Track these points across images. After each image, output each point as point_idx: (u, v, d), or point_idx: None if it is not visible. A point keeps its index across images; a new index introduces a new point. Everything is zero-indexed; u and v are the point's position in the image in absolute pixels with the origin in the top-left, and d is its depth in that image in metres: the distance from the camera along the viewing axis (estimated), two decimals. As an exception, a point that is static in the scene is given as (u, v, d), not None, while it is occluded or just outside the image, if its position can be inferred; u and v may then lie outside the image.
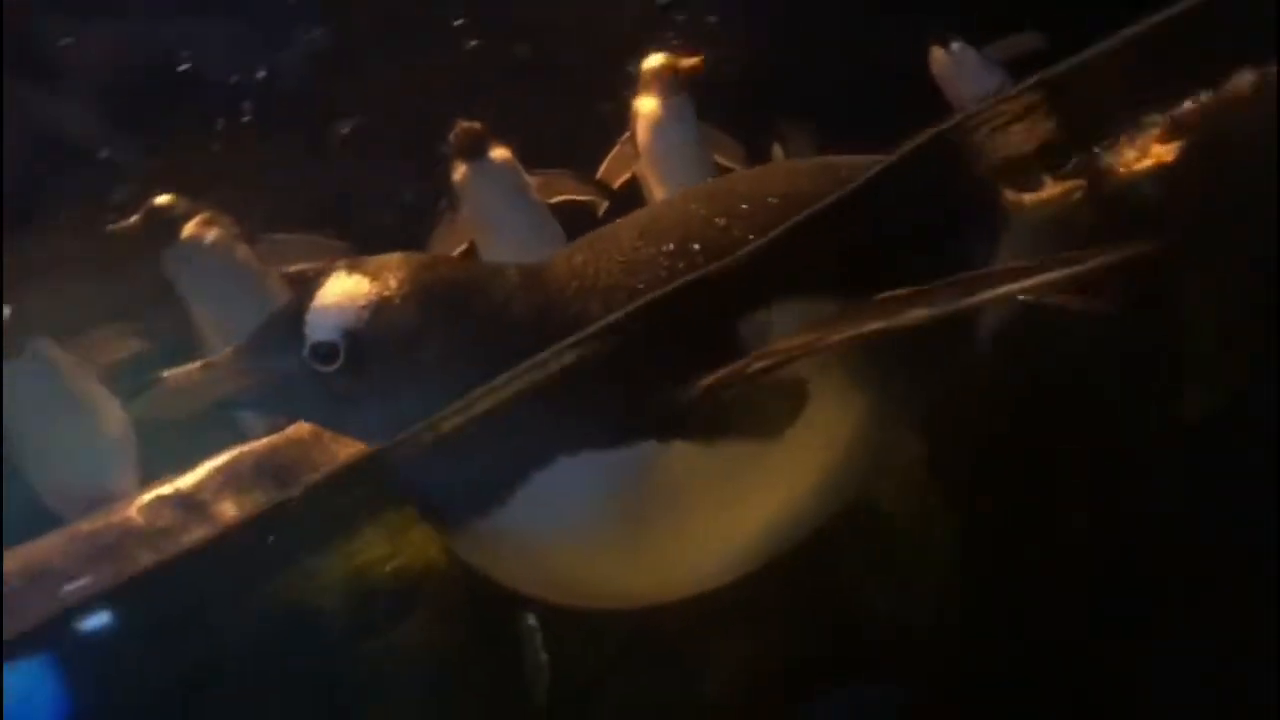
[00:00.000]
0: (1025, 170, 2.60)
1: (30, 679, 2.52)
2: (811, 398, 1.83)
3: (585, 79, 3.35)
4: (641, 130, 3.22)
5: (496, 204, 2.99)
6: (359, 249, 3.04)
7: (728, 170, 3.28)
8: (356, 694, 2.69)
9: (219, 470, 2.72)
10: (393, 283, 1.71)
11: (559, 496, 1.71)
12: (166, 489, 2.69)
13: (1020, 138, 2.57)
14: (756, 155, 3.46)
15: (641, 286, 1.78)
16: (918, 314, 1.74)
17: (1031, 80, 2.44)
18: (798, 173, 2.19)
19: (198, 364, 1.78)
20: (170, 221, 2.80)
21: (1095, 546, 2.76)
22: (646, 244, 1.85)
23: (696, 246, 1.85)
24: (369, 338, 1.69)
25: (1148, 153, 3.11)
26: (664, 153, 3.20)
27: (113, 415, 2.79)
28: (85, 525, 2.64)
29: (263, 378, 1.76)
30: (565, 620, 2.58)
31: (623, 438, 1.70)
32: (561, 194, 3.15)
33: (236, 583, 2.58)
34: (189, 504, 2.69)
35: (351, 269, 1.72)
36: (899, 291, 1.73)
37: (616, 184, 3.25)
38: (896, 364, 1.91)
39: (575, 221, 3.12)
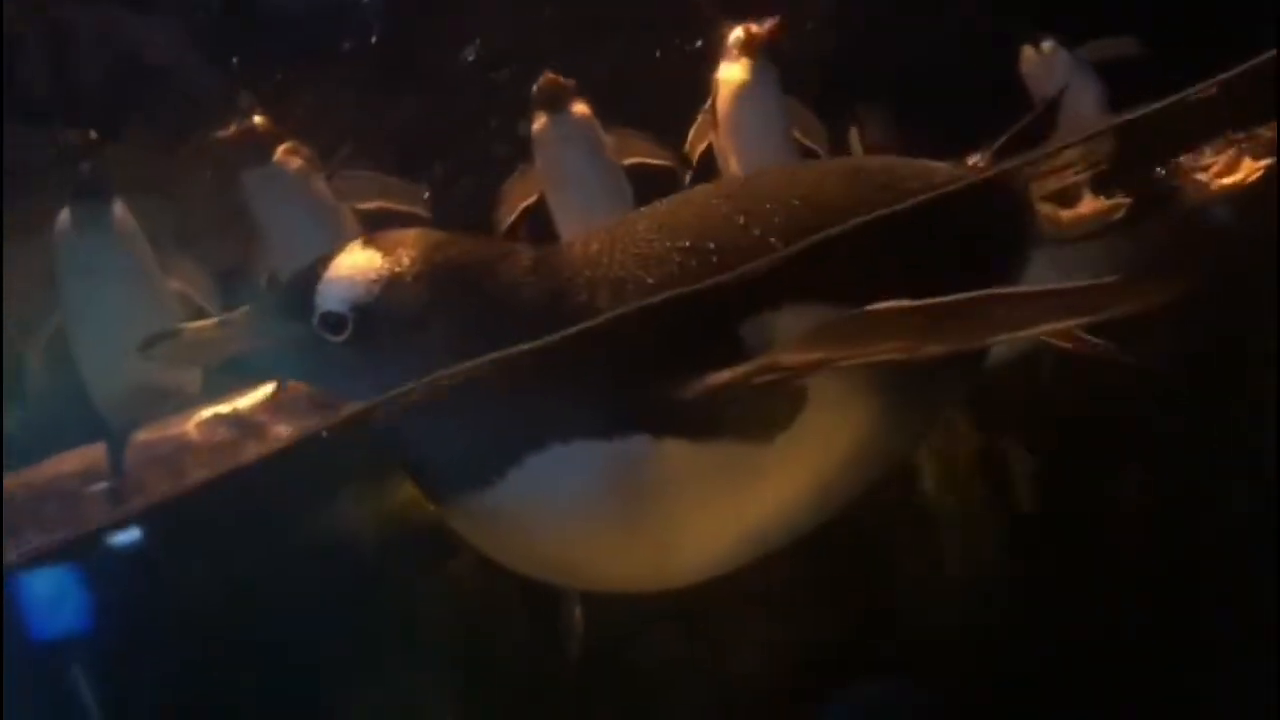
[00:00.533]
0: (1070, 187, 2.60)
1: (60, 585, 2.57)
2: (810, 403, 1.84)
3: (676, 44, 3.32)
4: (723, 100, 3.20)
5: (570, 158, 3.00)
6: (433, 192, 3.07)
7: (808, 149, 3.26)
8: (388, 629, 2.73)
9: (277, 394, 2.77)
10: (405, 260, 1.75)
11: (549, 480, 1.74)
12: (224, 408, 2.74)
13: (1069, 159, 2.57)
14: (833, 138, 3.44)
15: (652, 281, 1.80)
16: (935, 349, 1.77)
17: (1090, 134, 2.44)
18: (830, 175, 2.18)
19: (213, 320, 1.85)
20: (263, 144, 2.83)
21: (1140, 557, 2.75)
22: (662, 237, 1.87)
23: (712, 244, 1.86)
24: (378, 312, 1.73)
25: (1234, 169, 3.05)
26: (743, 124, 3.18)
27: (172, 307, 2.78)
28: (142, 435, 2.71)
29: (273, 341, 1.81)
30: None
31: (617, 429, 1.74)
32: (636, 156, 3.15)
33: (276, 507, 2.61)
34: (246, 425, 2.74)
35: (367, 244, 1.77)
36: (910, 303, 1.72)
37: (698, 152, 3.24)
38: (904, 374, 1.87)
39: (653, 186, 3.13)
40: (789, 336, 1.79)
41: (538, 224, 3.16)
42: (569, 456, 1.74)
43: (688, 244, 1.85)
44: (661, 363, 1.76)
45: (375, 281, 1.73)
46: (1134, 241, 2.85)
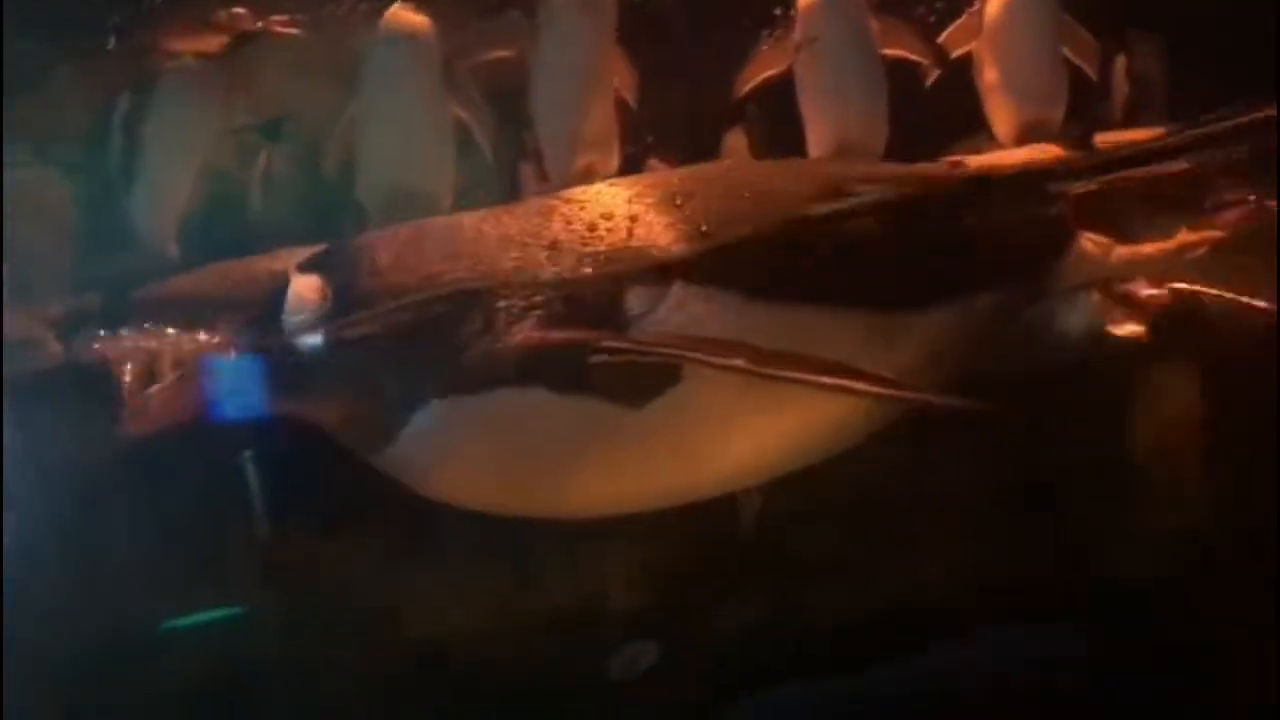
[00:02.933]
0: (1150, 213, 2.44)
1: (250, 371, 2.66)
2: (684, 380, 1.97)
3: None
4: (994, 2, 3.02)
5: (832, 35, 2.87)
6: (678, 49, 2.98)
7: (1075, 66, 3.06)
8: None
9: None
10: (339, 276, 2.11)
11: (432, 432, 2.04)
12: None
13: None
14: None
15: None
16: (739, 364, 1.93)
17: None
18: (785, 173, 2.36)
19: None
20: None
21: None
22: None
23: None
24: (325, 322, 2.08)
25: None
26: (1011, 32, 3.00)
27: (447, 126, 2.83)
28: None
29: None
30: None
31: (484, 383, 1.99)
32: (898, 48, 3.01)
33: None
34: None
35: (305, 269, 2.20)
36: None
37: (955, 54, 3.08)
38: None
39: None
40: (669, 317, 1.97)
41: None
42: (444, 410, 2.02)
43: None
44: (518, 325, 1.96)
45: (326, 298, 2.12)
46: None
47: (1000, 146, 2.99)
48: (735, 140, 3.30)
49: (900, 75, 3.02)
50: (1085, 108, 3.10)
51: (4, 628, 2.46)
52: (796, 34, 2.90)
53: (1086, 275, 2.34)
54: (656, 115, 3.00)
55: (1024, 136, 2.93)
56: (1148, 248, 2.38)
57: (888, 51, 2.97)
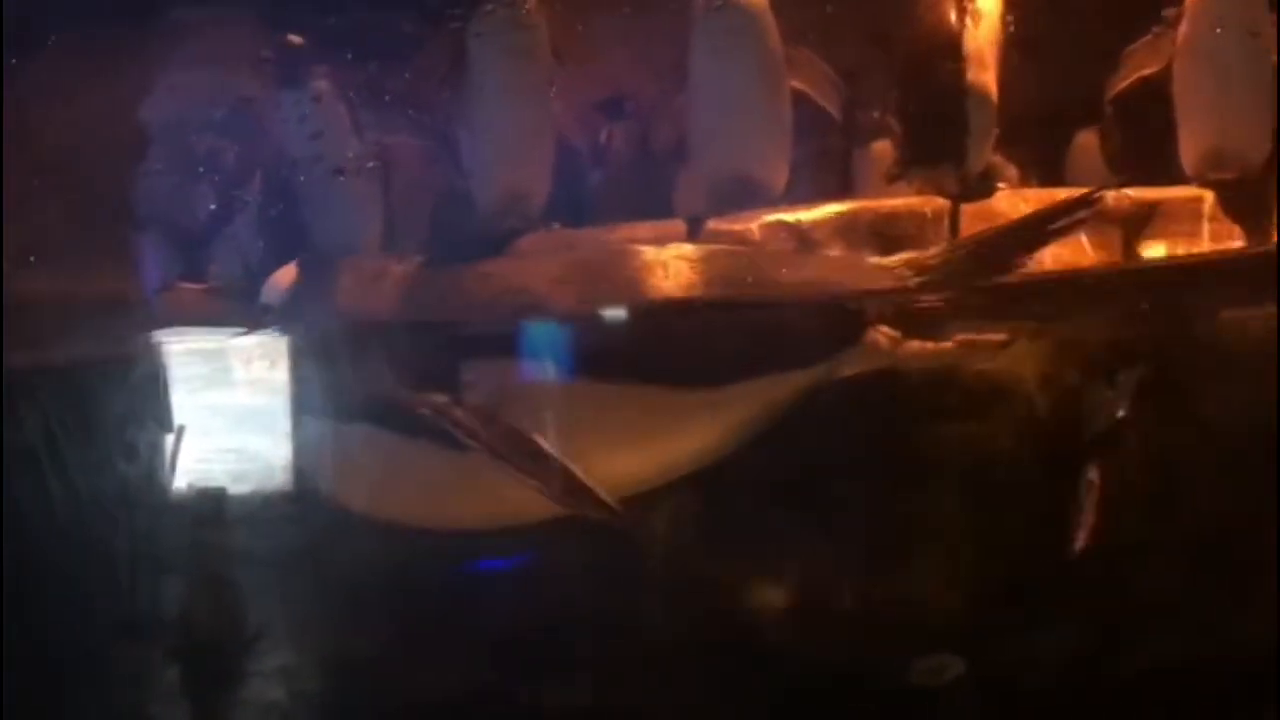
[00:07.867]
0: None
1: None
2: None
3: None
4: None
5: (1219, 36, 2.64)
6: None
7: None
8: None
9: (838, 215, 2.76)
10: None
11: (320, 451, 2.55)
12: (788, 216, 2.77)
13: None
14: None
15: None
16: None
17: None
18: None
19: None
20: None
21: None
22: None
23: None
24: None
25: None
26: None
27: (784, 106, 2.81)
28: (713, 222, 2.80)
29: None
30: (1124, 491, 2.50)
31: (351, 419, 2.49)
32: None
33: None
34: (804, 237, 2.76)
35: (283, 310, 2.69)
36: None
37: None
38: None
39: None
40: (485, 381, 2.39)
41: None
42: (324, 437, 2.51)
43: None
44: (390, 372, 2.42)
45: None
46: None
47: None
48: (1086, 140, 3.14)
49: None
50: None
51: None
52: (1181, 30, 2.68)
53: (874, 364, 2.57)
54: (1008, 110, 2.85)
55: None
56: (932, 346, 2.56)
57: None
